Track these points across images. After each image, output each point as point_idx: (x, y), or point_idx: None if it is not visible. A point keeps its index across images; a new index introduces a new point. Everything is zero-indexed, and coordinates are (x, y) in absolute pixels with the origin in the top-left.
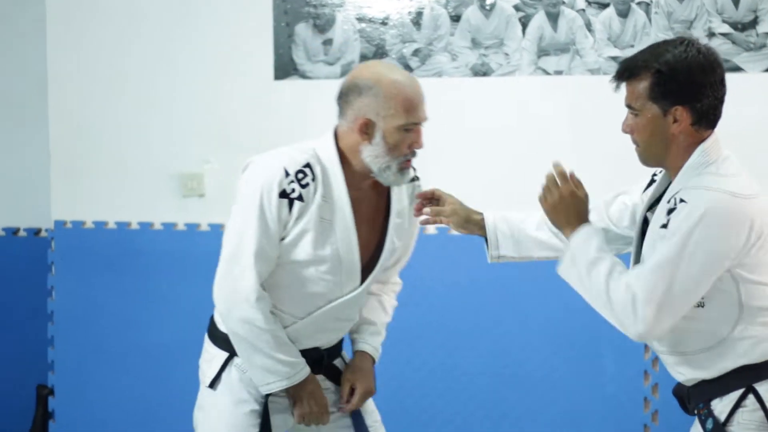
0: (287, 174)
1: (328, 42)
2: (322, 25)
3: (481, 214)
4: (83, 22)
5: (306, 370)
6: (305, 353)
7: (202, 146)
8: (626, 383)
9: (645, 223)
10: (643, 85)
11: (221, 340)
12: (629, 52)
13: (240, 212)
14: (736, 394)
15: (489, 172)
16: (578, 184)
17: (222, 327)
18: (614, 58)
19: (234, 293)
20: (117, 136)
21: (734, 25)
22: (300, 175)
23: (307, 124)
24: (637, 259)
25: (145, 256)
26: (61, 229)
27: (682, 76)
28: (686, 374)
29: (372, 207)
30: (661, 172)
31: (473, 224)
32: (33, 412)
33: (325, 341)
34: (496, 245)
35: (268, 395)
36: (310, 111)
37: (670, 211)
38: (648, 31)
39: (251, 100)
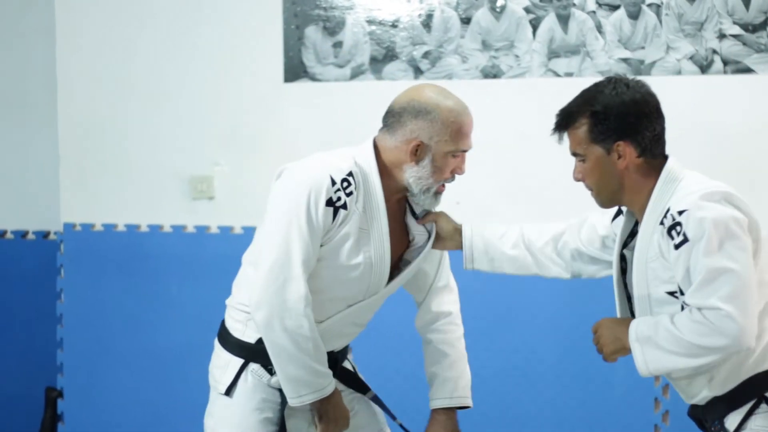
0: (333, 182)
1: (338, 44)
2: (332, 27)
3: (460, 225)
4: (92, 25)
5: (334, 383)
6: None
7: (212, 149)
8: (637, 383)
9: (622, 259)
10: (582, 129)
11: (234, 346)
12: (640, 54)
13: (284, 218)
14: (748, 405)
15: (500, 175)
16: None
17: (237, 333)
18: (625, 60)
19: (283, 302)
20: (126, 139)
21: (745, 27)
22: (345, 184)
23: (317, 126)
24: (625, 294)
25: (154, 259)
26: (71, 232)
27: (617, 112)
28: (699, 394)
29: (398, 220)
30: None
31: (455, 235)
32: (42, 414)
33: (338, 345)
34: (471, 259)
35: (283, 402)
36: (320, 113)
37: (672, 228)
38: (659, 32)
39: (261, 103)
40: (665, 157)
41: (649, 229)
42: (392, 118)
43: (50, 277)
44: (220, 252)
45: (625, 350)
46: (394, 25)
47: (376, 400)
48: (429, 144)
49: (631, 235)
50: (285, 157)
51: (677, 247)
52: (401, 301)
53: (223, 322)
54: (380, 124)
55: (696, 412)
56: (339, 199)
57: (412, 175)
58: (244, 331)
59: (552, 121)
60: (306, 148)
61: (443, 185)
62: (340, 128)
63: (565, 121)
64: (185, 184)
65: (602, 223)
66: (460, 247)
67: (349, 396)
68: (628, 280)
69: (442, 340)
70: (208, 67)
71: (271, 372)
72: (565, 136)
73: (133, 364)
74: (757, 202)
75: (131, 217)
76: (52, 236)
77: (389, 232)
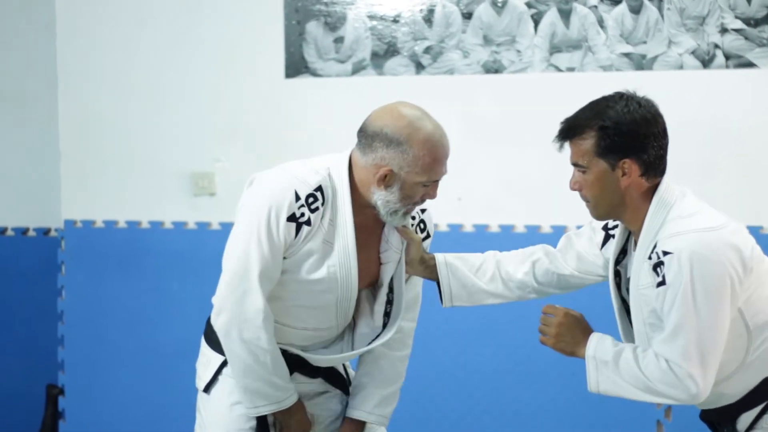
0: (298, 198)
1: (339, 40)
2: (333, 23)
3: (433, 259)
4: (93, 22)
5: (295, 396)
6: (304, 361)
7: (213, 145)
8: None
9: (617, 275)
10: (588, 142)
11: (213, 341)
12: (642, 49)
13: (245, 230)
14: (760, 406)
15: (501, 170)
16: (567, 310)
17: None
18: (627, 55)
19: (240, 313)
20: (127, 136)
21: (747, 21)
22: (310, 200)
23: (318, 122)
24: (624, 308)
25: (155, 256)
26: (71, 229)
27: (626, 130)
28: (711, 404)
29: (374, 233)
30: (616, 225)
31: (426, 267)
32: (43, 411)
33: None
34: (449, 298)
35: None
36: (321, 109)
37: (656, 266)
38: (660, 27)
39: (262, 99)
40: (662, 179)
41: (641, 259)
42: (364, 139)
43: (51, 274)
44: (222, 248)
45: (572, 355)
46: (395, 21)
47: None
48: (399, 173)
49: (623, 251)
50: (286, 153)
51: (657, 285)
52: None
53: (208, 319)
54: None
55: (709, 416)
56: (302, 215)
57: (380, 198)
58: None
59: (554, 116)
60: (307, 144)
61: (412, 208)
62: (341, 124)
63: (571, 130)
64: (186, 180)
65: (589, 251)
66: (429, 277)
67: (335, 398)
68: (624, 294)
69: (384, 355)
70: (209, 64)
71: None
72: (566, 145)
73: (133, 360)
74: (758, 196)
75: (132, 214)
76: (52, 233)
77: (362, 245)
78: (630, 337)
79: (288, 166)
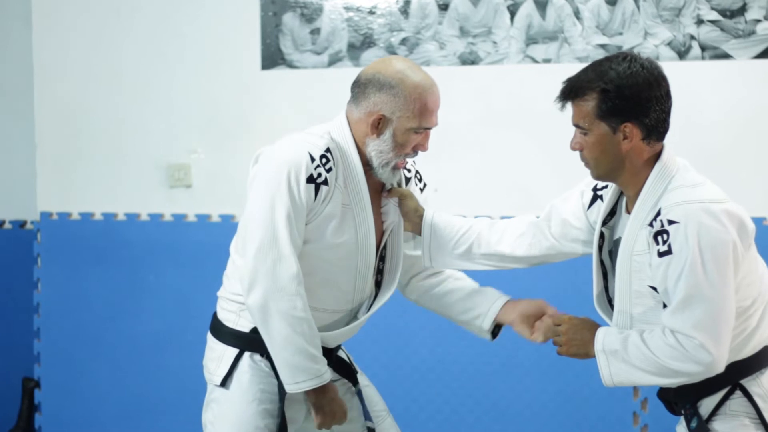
0: (312, 159)
1: (315, 31)
2: (310, 14)
3: (422, 211)
4: (69, 14)
5: (329, 373)
6: None
7: (189, 137)
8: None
9: (601, 237)
10: (590, 104)
11: (228, 336)
12: (618, 40)
13: (266, 198)
14: (723, 391)
15: (478, 161)
16: (570, 316)
17: (229, 323)
18: (603, 46)
19: (274, 283)
20: (103, 128)
21: (723, 12)
22: (324, 160)
23: (295, 113)
24: (604, 275)
25: (131, 248)
26: (47, 221)
27: (629, 93)
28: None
29: (377, 195)
30: (605, 186)
31: (418, 221)
32: (19, 404)
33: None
34: (429, 257)
35: (282, 392)
36: (298, 100)
37: (658, 234)
38: (636, 18)
39: (239, 90)
40: (662, 144)
41: (638, 224)
42: (357, 88)
43: (27, 267)
44: (198, 240)
45: (587, 356)
46: (371, 12)
47: (360, 395)
48: (391, 118)
49: (611, 213)
50: (263, 144)
51: (660, 255)
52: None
53: (215, 314)
54: None
55: (666, 395)
56: (320, 175)
57: (374, 149)
58: (237, 321)
59: (530, 107)
60: (284, 135)
61: (404, 160)
62: (317, 115)
63: (573, 92)
64: (162, 172)
65: (574, 214)
66: (418, 232)
67: (343, 387)
68: (604, 257)
69: (453, 277)
70: (186, 55)
71: (270, 359)
72: (568, 105)
73: (110, 353)
74: (735, 187)
75: (108, 206)
76: (28, 225)
77: (373, 206)
78: (603, 302)
79: (291, 136)
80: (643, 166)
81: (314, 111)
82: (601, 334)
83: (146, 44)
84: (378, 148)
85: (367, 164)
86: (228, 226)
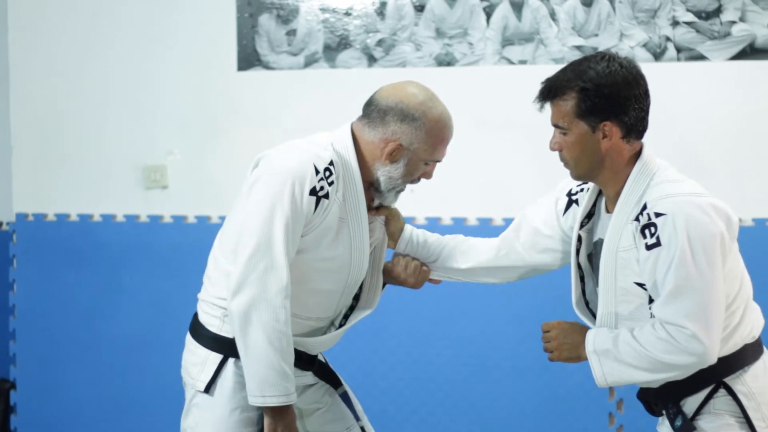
0: (317, 171)
1: (291, 33)
2: (286, 15)
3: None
4: (45, 15)
5: (295, 396)
6: (300, 353)
7: (165, 138)
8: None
9: (578, 240)
10: (569, 103)
11: (212, 341)
12: (593, 42)
13: (266, 205)
14: (706, 390)
15: (454, 162)
16: (559, 321)
17: (213, 328)
18: (579, 48)
19: (263, 291)
20: (79, 129)
21: (698, 14)
22: (327, 173)
23: (271, 114)
24: (579, 275)
25: (107, 249)
26: (23, 222)
27: (608, 92)
28: (653, 382)
29: (368, 212)
30: (580, 190)
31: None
32: None
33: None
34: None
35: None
36: (274, 102)
37: (646, 228)
38: (612, 20)
39: (215, 92)
40: (641, 143)
41: (622, 221)
42: (376, 113)
43: (2, 268)
44: (174, 241)
45: (579, 359)
46: (347, 13)
47: (344, 397)
48: (408, 148)
49: (588, 216)
50: (239, 146)
51: (648, 248)
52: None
53: (196, 316)
54: (338, 113)
55: (647, 395)
56: (322, 188)
57: (384, 174)
58: (221, 326)
59: (506, 108)
60: (260, 137)
61: (406, 187)
62: (294, 116)
63: (552, 91)
64: (138, 173)
65: (546, 222)
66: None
67: (321, 389)
68: (581, 260)
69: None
70: (162, 56)
71: None
72: (547, 105)
73: (86, 354)
74: (711, 188)
75: (84, 207)
76: (4, 227)
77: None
78: (582, 306)
79: (295, 143)
80: (623, 164)
81: (290, 112)
82: (591, 335)
83: (122, 46)
84: (389, 174)
85: (367, 182)
86: (204, 227)
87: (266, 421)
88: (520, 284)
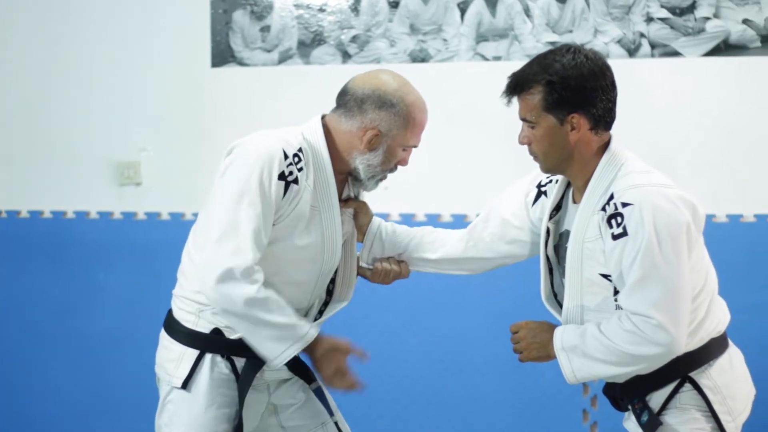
0: (286, 156)
1: (265, 29)
2: (260, 11)
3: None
4: (17, 9)
5: (314, 331)
6: None
7: (139, 134)
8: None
9: (546, 232)
10: (536, 97)
11: (187, 337)
12: (568, 38)
13: (234, 191)
14: (672, 385)
15: (428, 159)
16: (527, 321)
17: (188, 324)
18: (553, 44)
19: (232, 270)
20: (52, 125)
21: (672, 10)
22: (296, 159)
23: (245, 111)
24: (548, 267)
25: (81, 246)
26: None
27: (574, 84)
28: (618, 377)
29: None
30: (549, 181)
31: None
32: None
33: None
34: (369, 250)
35: (242, 396)
36: (248, 98)
37: (612, 218)
38: (586, 16)
39: (188, 88)
40: (610, 134)
41: (589, 211)
42: (353, 102)
43: None
44: (148, 238)
45: (548, 357)
46: (321, 9)
47: (318, 392)
48: (387, 135)
49: (557, 208)
50: (213, 142)
51: (615, 237)
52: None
53: (170, 312)
54: (312, 109)
55: (612, 391)
56: (291, 173)
57: (363, 162)
58: (197, 322)
59: (480, 105)
60: (234, 133)
61: (386, 175)
62: (268, 113)
63: (519, 86)
64: (112, 170)
65: (514, 213)
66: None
67: (296, 385)
68: (549, 252)
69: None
70: (136, 52)
71: (230, 360)
72: (515, 99)
73: (61, 351)
74: (684, 183)
75: (57, 204)
76: None
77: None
78: (551, 298)
79: (264, 132)
80: (591, 156)
81: (264, 108)
82: (558, 332)
83: (96, 41)
84: (368, 162)
85: (338, 172)
86: (178, 224)
87: (314, 368)
88: (493, 280)
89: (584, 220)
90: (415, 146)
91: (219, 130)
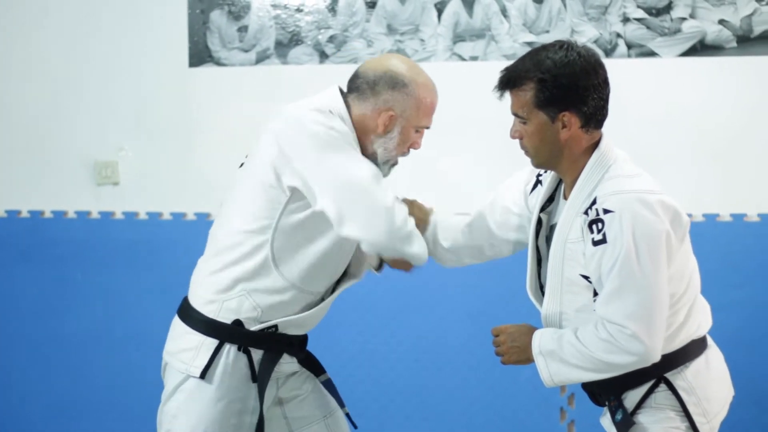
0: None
1: (243, 29)
2: (237, 11)
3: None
4: None
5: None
6: (292, 337)
7: (117, 134)
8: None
9: (539, 223)
10: (527, 94)
11: (203, 324)
12: (544, 38)
13: (333, 154)
14: (647, 384)
15: (406, 158)
16: (508, 325)
17: (210, 314)
18: (530, 44)
19: (389, 219)
20: (29, 124)
21: (649, 10)
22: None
23: (223, 111)
24: (539, 262)
25: (58, 245)
26: None
27: (566, 82)
28: None
29: None
30: (546, 172)
31: None
32: None
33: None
34: None
35: (262, 388)
36: (226, 98)
37: (593, 223)
38: (563, 16)
39: (166, 88)
40: (601, 132)
41: (573, 212)
42: (365, 85)
43: None
44: (125, 238)
45: (528, 361)
46: (299, 10)
47: (328, 384)
48: (401, 116)
49: (550, 199)
50: (190, 141)
51: (595, 243)
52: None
53: (187, 301)
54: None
55: (590, 386)
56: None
57: (381, 146)
58: (218, 312)
59: (457, 105)
60: (211, 133)
61: (398, 159)
62: (245, 113)
63: (511, 81)
64: (89, 169)
65: (515, 202)
66: None
67: (302, 377)
68: (540, 243)
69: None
70: (113, 52)
71: (247, 352)
72: (507, 94)
73: (37, 352)
74: (661, 184)
75: (35, 203)
76: None
77: None
78: (535, 288)
79: (307, 103)
80: (581, 154)
81: (242, 108)
82: (537, 337)
83: (73, 40)
84: (384, 145)
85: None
86: (155, 223)
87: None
88: (471, 280)
89: (568, 220)
90: (428, 127)
91: (196, 130)
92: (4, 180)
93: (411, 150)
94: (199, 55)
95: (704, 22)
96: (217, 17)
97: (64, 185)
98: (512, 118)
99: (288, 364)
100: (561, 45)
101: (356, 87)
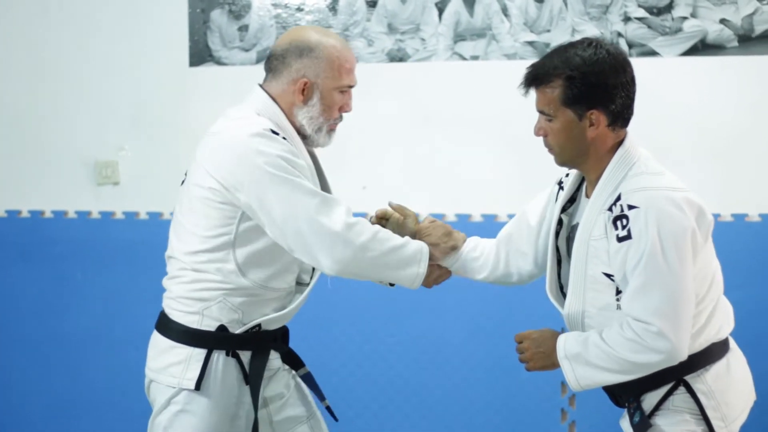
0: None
1: (243, 28)
2: (238, 11)
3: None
4: None
5: (418, 243)
6: (275, 332)
7: (117, 133)
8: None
9: (559, 223)
10: (555, 91)
11: (188, 336)
12: (545, 37)
13: (277, 187)
14: (666, 387)
15: (406, 158)
16: (531, 330)
17: (193, 324)
18: (531, 43)
19: (337, 235)
20: (29, 124)
21: (650, 10)
22: (281, 137)
23: (223, 110)
24: (559, 262)
25: (58, 245)
26: None
27: (594, 80)
28: None
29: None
30: (567, 176)
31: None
32: None
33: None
34: None
35: (255, 388)
36: (226, 98)
37: (618, 219)
38: (564, 15)
39: (166, 87)
40: (626, 131)
41: (597, 209)
42: (276, 61)
43: None
44: (126, 238)
45: (554, 366)
46: (299, 9)
47: (307, 378)
48: (316, 82)
49: (571, 200)
50: (191, 142)
51: (619, 240)
52: (318, 287)
53: (165, 315)
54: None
55: (611, 387)
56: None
57: (304, 116)
58: (201, 321)
59: (458, 104)
60: None
61: (335, 123)
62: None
63: (538, 78)
64: (90, 169)
65: (540, 222)
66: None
67: (284, 374)
68: (560, 243)
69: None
70: (113, 51)
71: (237, 357)
72: (532, 90)
73: (37, 351)
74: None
75: (35, 203)
76: None
77: None
78: (555, 289)
79: (227, 121)
80: (606, 152)
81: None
82: (561, 341)
83: (73, 40)
84: (308, 114)
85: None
86: (156, 223)
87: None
88: (470, 280)
89: (592, 218)
90: (351, 86)
91: (197, 129)
92: (4, 180)
93: (344, 114)
94: (200, 54)
95: (705, 22)
96: (218, 16)
97: (64, 185)
98: (513, 118)
99: (274, 359)
100: (589, 42)
101: (271, 67)
